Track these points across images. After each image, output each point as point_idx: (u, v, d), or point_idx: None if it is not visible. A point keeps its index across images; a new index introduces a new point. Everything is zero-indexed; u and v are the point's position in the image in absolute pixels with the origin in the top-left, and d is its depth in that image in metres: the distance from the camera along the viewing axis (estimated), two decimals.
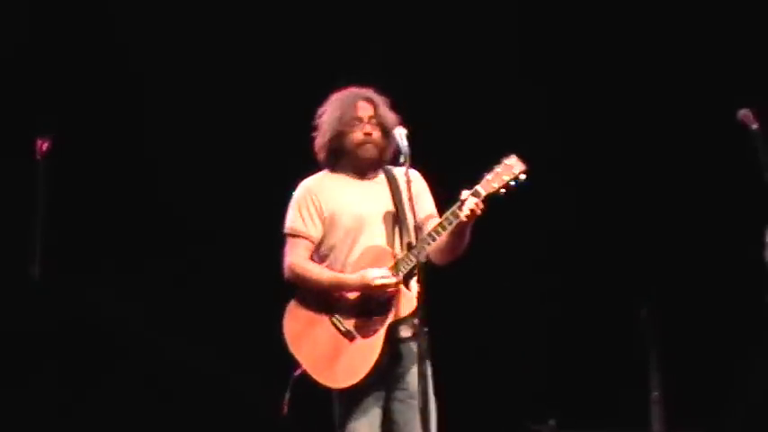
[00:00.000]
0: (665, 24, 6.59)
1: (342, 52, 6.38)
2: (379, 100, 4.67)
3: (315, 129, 4.69)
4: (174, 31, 6.46)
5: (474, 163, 4.57)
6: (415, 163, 4.52)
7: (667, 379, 6.24)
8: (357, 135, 4.61)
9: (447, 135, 6.16)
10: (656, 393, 6.14)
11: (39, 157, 5.33)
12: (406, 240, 4.53)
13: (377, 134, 4.62)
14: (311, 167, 4.71)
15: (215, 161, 6.50)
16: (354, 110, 4.62)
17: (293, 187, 4.69)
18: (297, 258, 4.58)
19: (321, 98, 4.73)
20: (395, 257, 4.48)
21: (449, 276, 4.59)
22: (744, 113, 4.81)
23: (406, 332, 4.48)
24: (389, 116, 4.65)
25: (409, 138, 4.51)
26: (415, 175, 4.67)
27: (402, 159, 4.48)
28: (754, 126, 4.82)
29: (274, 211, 4.76)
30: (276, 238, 4.68)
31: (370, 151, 4.61)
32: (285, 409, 4.50)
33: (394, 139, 4.53)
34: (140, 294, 6.29)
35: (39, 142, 5.35)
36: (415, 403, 4.33)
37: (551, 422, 6.21)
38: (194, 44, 6.47)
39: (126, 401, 6.30)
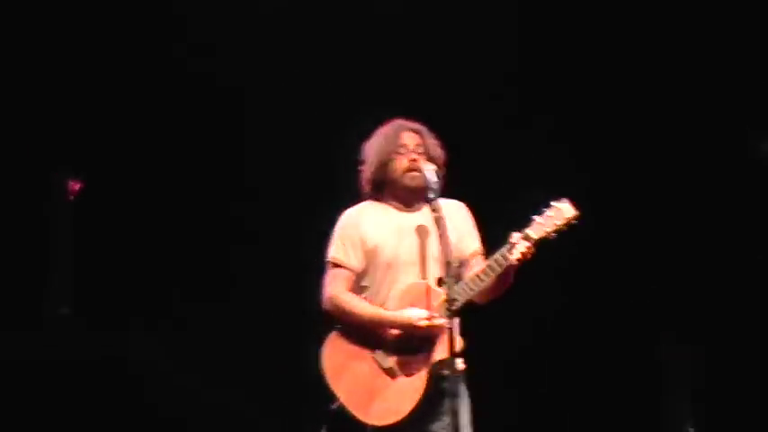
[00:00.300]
0: (682, 50, 6.60)
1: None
2: (426, 132, 4.63)
3: (360, 163, 4.65)
4: (207, 68, 6.51)
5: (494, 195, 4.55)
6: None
7: (702, 414, 6.19)
8: (402, 162, 4.53)
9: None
10: (692, 429, 6.08)
11: (70, 197, 5.34)
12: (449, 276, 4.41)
13: (423, 164, 4.51)
14: (342, 202, 4.71)
15: (243, 200, 6.52)
16: (400, 138, 4.57)
17: (328, 218, 4.65)
18: (337, 290, 4.49)
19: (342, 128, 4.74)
20: (431, 294, 4.37)
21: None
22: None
23: (449, 369, 4.38)
24: (437, 149, 4.60)
25: (438, 174, 4.50)
26: (463, 210, 4.64)
27: (432, 196, 4.42)
28: None
29: (306, 245, 4.74)
30: (308, 277, 4.67)
31: (415, 179, 4.50)
32: None
33: (423, 174, 4.50)
34: (171, 336, 6.30)
35: (70, 183, 5.37)
36: None
37: None
38: (227, 78, 6.52)
39: None
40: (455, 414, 4.20)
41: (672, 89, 6.58)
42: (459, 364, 4.43)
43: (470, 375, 4.47)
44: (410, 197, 4.57)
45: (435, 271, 4.43)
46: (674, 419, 6.20)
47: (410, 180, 4.54)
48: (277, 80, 6.50)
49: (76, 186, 5.35)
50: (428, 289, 4.42)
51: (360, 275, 4.54)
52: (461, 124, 6.13)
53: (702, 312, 6.45)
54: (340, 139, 4.92)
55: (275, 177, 6.51)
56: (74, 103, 6.34)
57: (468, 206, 4.67)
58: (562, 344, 6.61)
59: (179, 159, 6.50)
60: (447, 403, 4.31)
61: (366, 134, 4.66)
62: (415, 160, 4.53)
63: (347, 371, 4.43)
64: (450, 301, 4.22)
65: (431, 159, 4.54)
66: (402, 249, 4.51)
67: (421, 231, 4.49)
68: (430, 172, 4.43)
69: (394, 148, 4.55)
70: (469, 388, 4.46)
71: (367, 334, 4.44)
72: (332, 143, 5.56)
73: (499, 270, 4.36)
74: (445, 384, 4.33)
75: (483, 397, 4.55)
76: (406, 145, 4.56)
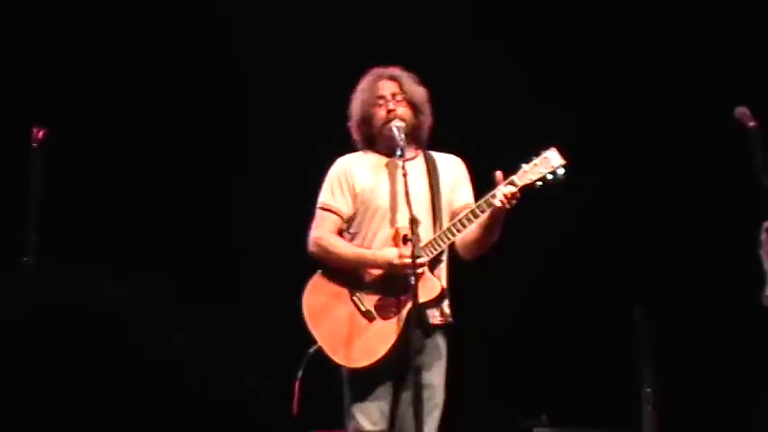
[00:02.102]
0: (659, 22, 6.60)
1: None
2: (405, 77, 4.64)
3: (349, 118, 4.69)
4: (181, 16, 6.46)
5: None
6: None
7: (660, 376, 6.25)
8: (381, 114, 4.58)
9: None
10: (649, 390, 6.14)
11: (35, 145, 5.31)
12: (438, 226, 4.49)
13: (403, 110, 4.58)
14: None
15: (216, 146, 6.50)
16: (376, 89, 4.60)
17: (320, 164, 4.68)
18: (323, 232, 4.54)
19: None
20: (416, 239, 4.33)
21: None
22: (741, 111, 4.79)
23: (434, 319, 4.45)
24: (417, 91, 4.62)
25: (404, 130, 4.52)
26: (458, 164, 4.69)
27: (399, 153, 4.47)
28: (751, 124, 4.81)
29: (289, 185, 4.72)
30: (292, 214, 4.68)
31: (392, 131, 4.53)
32: (298, 385, 4.44)
33: (392, 129, 4.53)
34: (137, 284, 6.29)
35: (35, 130, 5.34)
36: (426, 394, 4.29)
37: (543, 417, 6.21)
38: (199, 28, 6.47)
39: (122, 393, 6.28)
40: (417, 371, 4.23)
41: (663, 56, 6.59)
42: (437, 318, 4.46)
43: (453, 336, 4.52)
44: (395, 147, 4.56)
45: (421, 217, 4.42)
46: (636, 381, 6.26)
47: (388, 131, 4.57)
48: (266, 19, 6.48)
49: (40, 134, 5.31)
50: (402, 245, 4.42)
51: (350, 221, 4.57)
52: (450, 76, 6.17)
53: (671, 286, 6.50)
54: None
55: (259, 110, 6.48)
56: (41, 50, 6.30)
57: (464, 161, 4.71)
58: (532, 307, 6.64)
59: (152, 102, 6.47)
60: (427, 360, 4.40)
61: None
62: (392, 110, 4.56)
63: (327, 313, 4.44)
64: (415, 258, 4.25)
65: (410, 104, 4.59)
66: (390, 195, 4.53)
67: (411, 174, 4.45)
68: (397, 129, 4.48)
69: (372, 101, 4.59)
70: (451, 348, 4.51)
71: (348, 276, 4.47)
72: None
73: (482, 216, 4.38)
74: (427, 337, 4.41)
75: (466, 359, 4.59)
76: (384, 96, 4.59)
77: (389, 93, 4.61)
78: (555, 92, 6.60)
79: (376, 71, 4.67)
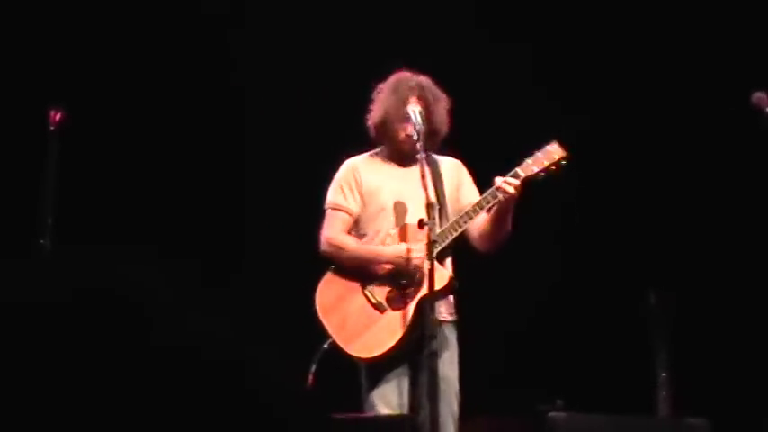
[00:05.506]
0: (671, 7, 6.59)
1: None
2: (432, 97, 4.66)
3: (370, 104, 4.74)
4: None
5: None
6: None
7: (675, 362, 6.25)
8: (400, 133, 4.65)
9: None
10: (664, 375, 6.15)
11: (52, 127, 5.33)
12: (444, 224, 4.56)
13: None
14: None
15: (233, 130, 6.51)
16: (404, 105, 4.62)
17: (332, 164, 4.76)
18: (334, 232, 4.66)
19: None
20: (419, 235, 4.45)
21: (455, 256, 4.63)
22: (758, 97, 4.77)
23: (440, 315, 4.54)
24: (439, 115, 4.66)
25: (423, 115, 4.54)
26: (459, 166, 4.77)
27: (415, 137, 4.51)
28: None
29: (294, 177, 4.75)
30: (302, 208, 4.72)
31: (410, 147, 4.62)
32: (311, 379, 4.53)
33: (412, 120, 4.57)
34: (153, 268, 6.29)
35: (52, 113, 5.35)
36: (442, 386, 4.36)
37: (559, 402, 6.22)
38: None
39: (142, 378, 6.28)
40: (432, 355, 4.31)
41: (665, 37, 6.56)
42: (444, 314, 4.50)
43: (466, 325, 4.58)
44: (404, 157, 4.71)
45: (433, 219, 4.45)
46: (651, 366, 6.25)
47: (403, 146, 4.69)
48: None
49: (57, 116, 5.32)
50: (418, 229, 4.47)
51: (357, 221, 4.68)
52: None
53: (686, 270, 6.49)
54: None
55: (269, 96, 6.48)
56: (59, 32, 6.31)
57: (464, 158, 4.80)
58: (547, 292, 6.66)
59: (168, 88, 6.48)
60: (440, 351, 4.45)
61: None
62: (410, 135, 4.60)
63: (339, 307, 4.56)
64: (430, 243, 4.30)
65: (432, 130, 4.62)
66: (397, 194, 4.64)
67: (415, 179, 4.53)
68: (416, 114, 4.53)
69: (396, 114, 4.63)
70: (462, 337, 4.59)
71: (359, 271, 4.58)
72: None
73: (486, 206, 4.49)
74: (439, 329, 4.50)
75: (482, 345, 4.61)
76: (410, 116, 4.61)
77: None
78: (563, 87, 6.58)
79: (409, 84, 4.67)
